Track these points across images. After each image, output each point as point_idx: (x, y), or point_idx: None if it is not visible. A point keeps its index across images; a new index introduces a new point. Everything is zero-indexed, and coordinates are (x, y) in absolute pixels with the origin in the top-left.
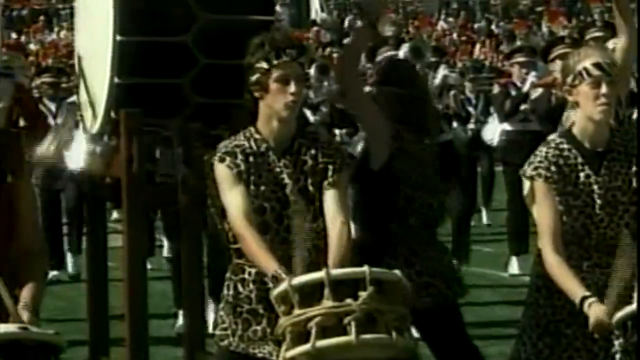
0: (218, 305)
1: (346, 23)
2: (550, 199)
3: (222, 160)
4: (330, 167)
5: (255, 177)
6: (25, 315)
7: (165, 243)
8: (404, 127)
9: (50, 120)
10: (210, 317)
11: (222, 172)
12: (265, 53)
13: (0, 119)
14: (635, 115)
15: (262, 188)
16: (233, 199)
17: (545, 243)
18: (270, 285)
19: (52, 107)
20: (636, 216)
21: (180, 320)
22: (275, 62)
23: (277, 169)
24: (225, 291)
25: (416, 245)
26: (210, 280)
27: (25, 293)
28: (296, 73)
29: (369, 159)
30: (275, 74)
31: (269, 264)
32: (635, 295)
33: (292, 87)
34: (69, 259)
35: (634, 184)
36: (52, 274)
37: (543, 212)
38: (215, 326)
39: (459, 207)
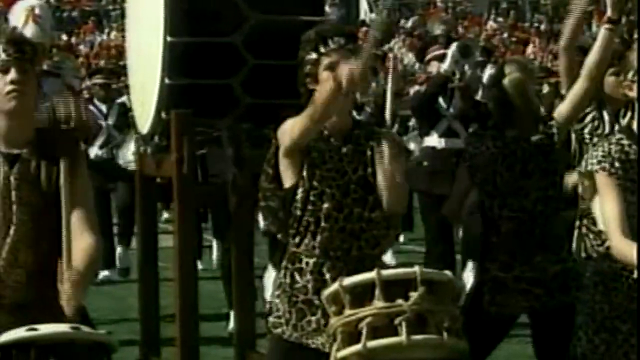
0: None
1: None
2: (614, 190)
3: None
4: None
5: (319, 161)
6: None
7: (215, 244)
8: (508, 129)
9: (102, 122)
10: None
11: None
12: (314, 43)
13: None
14: None
15: (325, 174)
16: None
17: (613, 230)
18: (327, 277)
19: (103, 108)
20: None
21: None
22: (323, 50)
23: (337, 157)
24: (281, 279)
25: (518, 250)
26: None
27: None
28: (346, 59)
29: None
30: (324, 62)
31: None
32: None
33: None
34: (118, 252)
35: None
36: (103, 274)
37: (608, 204)
38: (269, 313)
39: None
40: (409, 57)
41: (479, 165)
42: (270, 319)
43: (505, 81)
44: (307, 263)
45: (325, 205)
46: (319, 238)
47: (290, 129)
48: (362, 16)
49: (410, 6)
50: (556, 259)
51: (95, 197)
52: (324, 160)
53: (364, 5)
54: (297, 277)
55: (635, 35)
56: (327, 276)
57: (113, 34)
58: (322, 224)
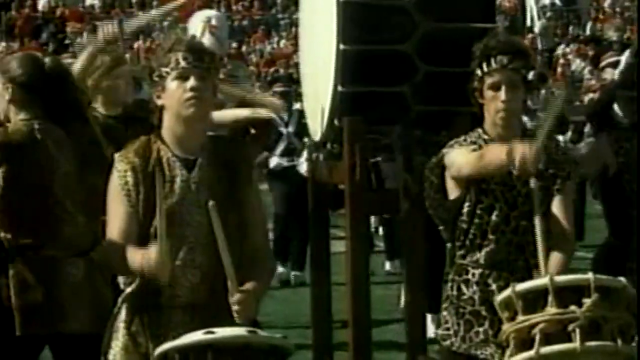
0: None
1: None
2: None
3: (455, 146)
4: (560, 173)
5: (488, 177)
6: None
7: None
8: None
9: (282, 129)
10: None
11: (458, 150)
12: (479, 60)
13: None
14: None
15: (492, 187)
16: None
17: None
18: (494, 287)
19: (284, 116)
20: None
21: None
22: (485, 69)
23: (508, 172)
24: (448, 292)
25: None
26: None
27: (249, 286)
28: (507, 80)
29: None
30: (487, 81)
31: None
32: None
33: (502, 95)
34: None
35: None
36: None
37: None
38: (438, 325)
39: None
40: (577, 63)
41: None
42: (439, 331)
43: None
44: (473, 274)
45: (493, 219)
46: (484, 250)
47: (457, 165)
48: (528, 23)
49: (576, 12)
50: None
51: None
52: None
53: (531, 12)
54: (464, 289)
55: None
56: (494, 287)
57: (282, 42)
58: (489, 236)
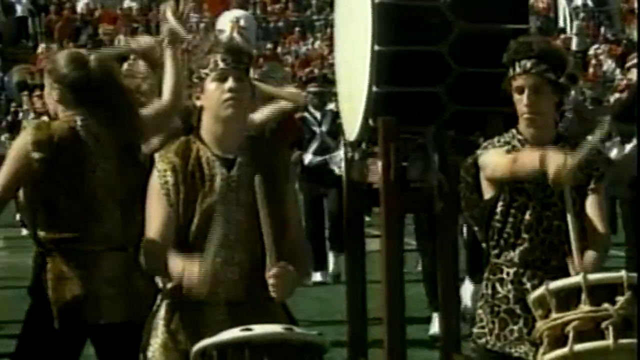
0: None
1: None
2: None
3: (489, 148)
4: (594, 173)
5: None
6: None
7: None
8: None
9: (316, 128)
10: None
11: (493, 152)
12: (507, 64)
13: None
14: None
15: (526, 186)
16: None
17: None
18: (528, 286)
19: (318, 115)
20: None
21: (436, 323)
22: (511, 73)
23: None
24: (483, 290)
25: None
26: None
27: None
28: (529, 84)
29: None
30: (514, 84)
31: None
32: None
33: (524, 99)
34: (331, 258)
35: None
36: (315, 277)
37: None
38: (473, 324)
39: None
40: (609, 64)
41: None
42: (474, 329)
43: None
44: (507, 273)
45: (527, 218)
46: (518, 249)
47: (491, 167)
48: (560, 24)
49: (608, 13)
50: None
51: (309, 202)
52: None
53: (563, 13)
54: (499, 288)
55: None
56: (528, 285)
57: (317, 43)
58: (523, 235)
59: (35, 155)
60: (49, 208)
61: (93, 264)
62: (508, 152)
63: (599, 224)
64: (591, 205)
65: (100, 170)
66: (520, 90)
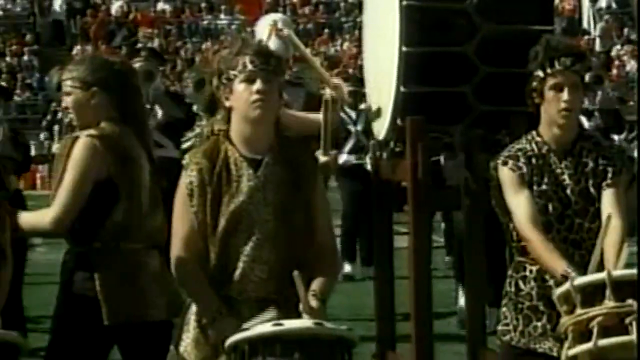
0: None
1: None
2: None
3: (505, 163)
4: (610, 169)
5: (538, 178)
6: (313, 303)
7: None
8: None
9: (351, 127)
10: None
11: (506, 174)
12: (541, 62)
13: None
14: None
15: (544, 188)
16: (518, 202)
17: None
18: (551, 283)
19: (353, 114)
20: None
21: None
22: (549, 70)
23: (558, 170)
24: (507, 288)
25: None
26: None
27: (316, 285)
28: (570, 81)
29: None
30: (549, 82)
31: (557, 264)
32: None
33: (565, 95)
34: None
35: None
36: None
37: None
38: (497, 321)
39: None
40: (632, 64)
41: None
42: (499, 326)
43: None
44: (530, 271)
45: (548, 217)
46: None
47: (511, 210)
48: (584, 25)
49: (631, 14)
50: None
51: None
52: (543, 177)
53: (587, 13)
54: (522, 285)
55: None
56: (551, 282)
57: (346, 45)
58: (546, 234)
59: (112, 160)
60: (98, 207)
61: (138, 262)
62: (521, 175)
63: (614, 217)
64: (608, 199)
65: (144, 172)
66: (559, 88)
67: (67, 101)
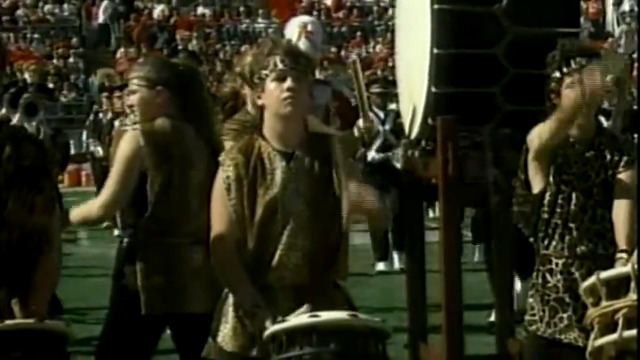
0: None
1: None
2: None
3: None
4: (624, 158)
5: (566, 167)
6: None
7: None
8: None
9: (379, 127)
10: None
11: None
12: (557, 62)
13: (318, 117)
14: None
15: (570, 177)
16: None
17: None
18: (576, 275)
19: (381, 114)
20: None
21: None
22: (565, 70)
23: (582, 162)
24: (534, 280)
25: None
26: None
27: None
28: (589, 75)
29: None
30: (566, 80)
31: None
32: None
33: None
34: (395, 255)
35: None
36: (378, 267)
37: None
38: (524, 310)
39: None
40: None
41: None
42: (526, 317)
43: None
44: (556, 264)
45: (572, 208)
46: (566, 239)
47: (539, 133)
48: (609, 28)
49: None
50: None
51: None
52: (570, 165)
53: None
54: (548, 277)
55: None
56: (577, 275)
57: (378, 47)
58: (569, 225)
59: (149, 154)
60: (139, 200)
61: (181, 257)
62: None
63: (623, 206)
64: (619, 188)
65: (195, 170)
66: (574, 86)
67: (132, 99)
